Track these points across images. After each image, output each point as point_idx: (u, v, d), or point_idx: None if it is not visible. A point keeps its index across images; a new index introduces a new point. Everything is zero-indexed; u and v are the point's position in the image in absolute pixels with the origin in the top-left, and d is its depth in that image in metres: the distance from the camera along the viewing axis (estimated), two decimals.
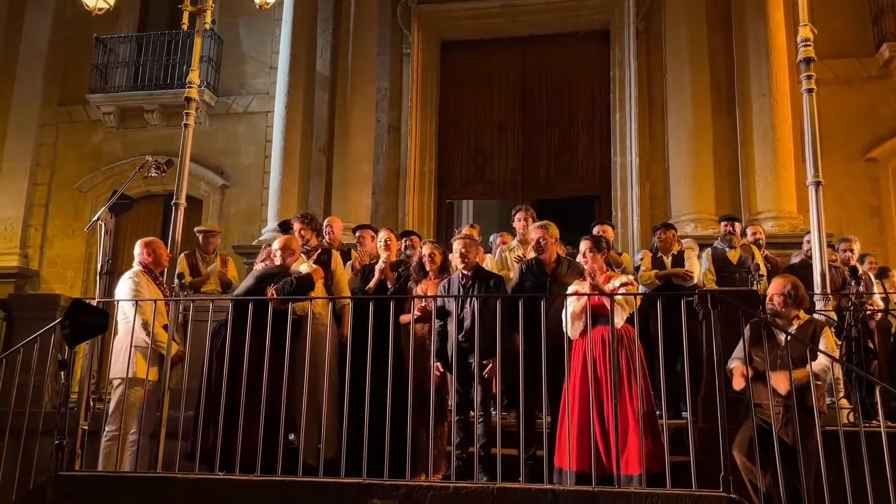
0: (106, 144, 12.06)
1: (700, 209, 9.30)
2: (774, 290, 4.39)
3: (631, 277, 5.25)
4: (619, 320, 4.50)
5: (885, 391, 4.03)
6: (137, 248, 5.30)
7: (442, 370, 4.83)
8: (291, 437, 4.76)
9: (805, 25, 5.98)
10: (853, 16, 10.29)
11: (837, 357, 4.31)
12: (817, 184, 5.76)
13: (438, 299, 4.87)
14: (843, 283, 6.43)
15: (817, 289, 5.53)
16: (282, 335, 4.60)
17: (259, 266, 5.54)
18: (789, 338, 4.10)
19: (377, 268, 5.54)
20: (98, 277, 4.80)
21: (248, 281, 5.34)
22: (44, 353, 4.64)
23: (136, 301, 4.86)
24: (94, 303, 4.58)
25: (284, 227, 6.74)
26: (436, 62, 11.29)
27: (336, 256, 5.74)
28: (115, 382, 4.90)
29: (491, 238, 7.38)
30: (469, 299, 4.77)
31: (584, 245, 4.95)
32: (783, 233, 8.74)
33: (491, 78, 11.23)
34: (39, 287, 11.44)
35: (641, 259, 6.93)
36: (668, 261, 6.67)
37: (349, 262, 6.14)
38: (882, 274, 7.35)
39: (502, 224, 9.96)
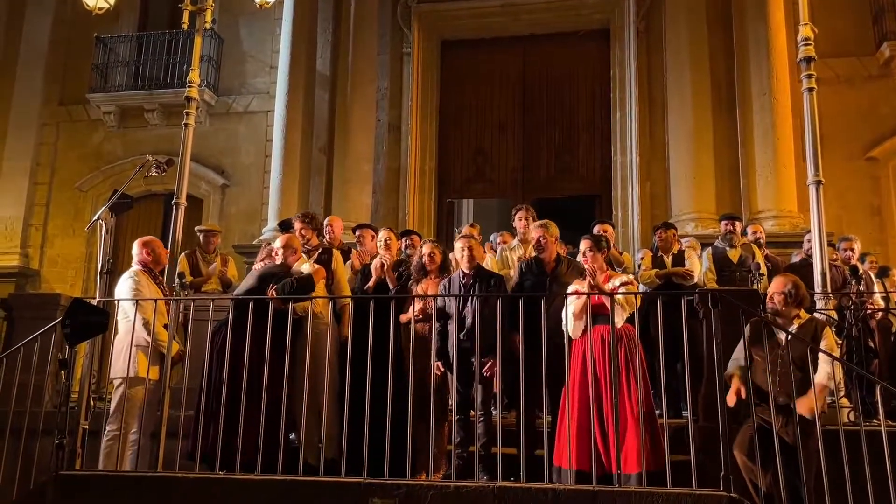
0: (106, 144, 12.06)
1: (700, 208, 9.30)
2: (775, 289, 4.38)
3: (631, 277, 5.26)
4: (620, 320, 4.50)
5: (885, 390, 4.03)
6: (136, 248, 5.29)
7: (443, 370, 4.83)
8: (292, 436, 4.76)
9: (805, 24, 5.97)
10: (854, 15, 10.29)
11: (837, 356, 4.29)
12: (818, 183, 5.76)
13: (439, 300, 4.87)
14: (843, 282, 6.43)
15: (818, 288, 5.53)
16: (282, 335, 4.60)
17: (259, 265, 5.54)
18: (790, 337, 4.10)
19: (372, 267, 5.54)
20: (98, 277, 4.80)
21: (249, 280, 5.33)
22: (44, 352, 4.64)
23: (137, 300, 4.86)
24: (94, 302, 4.58)
25: (285, 226, 6.74)
26: (436, 61, 11.29)
27: (337, 256, 5.73)
28: (116, 382, 4.90)
29: (491, 237, 7.37)
30: (470, 298, 4.77)
31: (584, 244, 4.95)
32: (784, 232, 8.75)
33: (491, 77, 11.23)
34: (40, 286, 11.45)
35: (642, 258, 6.93)
36: (668, 260, 6.66)
37: (348, 262, 6.13)
38: (882, 273, 7.36)
39: (502, 223, 9.96)
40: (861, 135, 9.97)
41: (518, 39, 11.17)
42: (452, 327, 4.80)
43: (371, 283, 5.52)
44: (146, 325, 4.81)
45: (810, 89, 5.92)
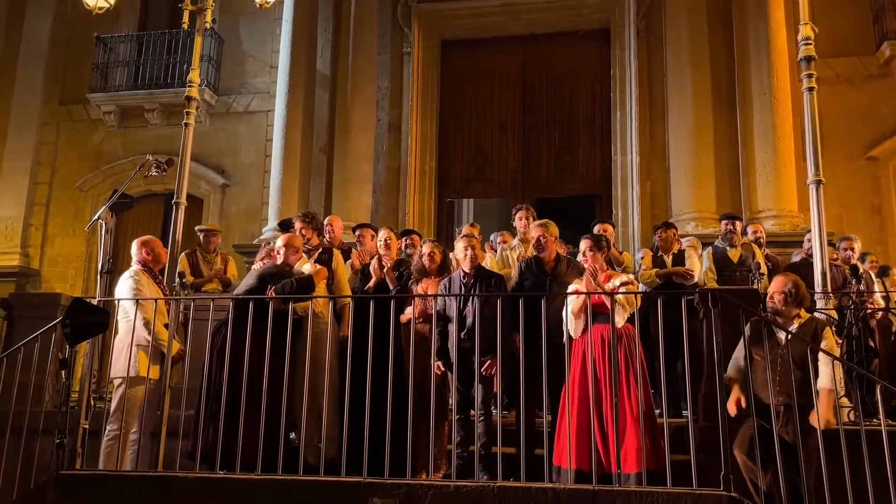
0: (106, 143, 12.06)
1: (701, 208, 9.30)
2: (775, 288, 4.38)
3: (631, 276, 5.25)
4: (620, 320, 4.50)
5: (885, 389, 4.03)
6: (135, 248, 5.29)
7: (443, 369, 4.83)
8: (292, 435, 4.76)
9: (806, 24, 5.97)
10: (854, 14, 10.29)
11: (838, 356, 4.29)
12: (818, 182, 5.76)
13: (439, 300, 4.87)
14: (843, 281, 6.43)
15: (818, 287, 5.52)
16: (282, 335, 4.60)
17: (259, 264, 5.53)
18: (790, 336, 4.10)
19: (371, 268, 5.54)
20: (99, 276, 4.80)
21: (249, 280, 5.33)
22: (44, 352, 4.63)
23: (137, 300, 4.86)
24: (94, 302, 4.58)
25: (285, 226, 6.74)
26: (436, 61, 11.29)
27: (337, 256, 5.73)
28: (117, 382, 4.90)
29: (491, 237, 7.38)
30: (471, 298, 4.77)
31: (584, 244, 4.95)
32: (784, 231, 8.75)
33: (491, 77, 11.23)
34: (40, 286, 11.45)
35: (642, 258, 6.93)
36: (668, 260, 6.66)
37: (348, 262, 6.13)
38: (883, 272, 7.36)
39: (503, 223, 9.96)
40: (861, 134, 9.97)
41: (518, 39, 11.17)
42: (452, 327, 4.80)
43: (371, 283, 5.52)
44: (147, 324, 4.81)
45: (810, 89, 5.92)
